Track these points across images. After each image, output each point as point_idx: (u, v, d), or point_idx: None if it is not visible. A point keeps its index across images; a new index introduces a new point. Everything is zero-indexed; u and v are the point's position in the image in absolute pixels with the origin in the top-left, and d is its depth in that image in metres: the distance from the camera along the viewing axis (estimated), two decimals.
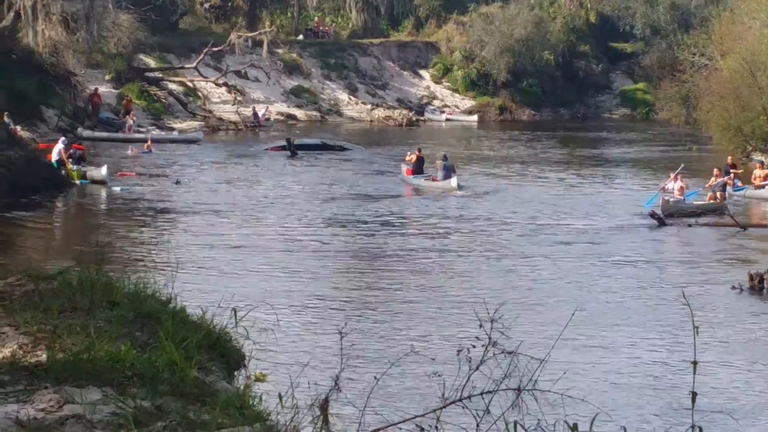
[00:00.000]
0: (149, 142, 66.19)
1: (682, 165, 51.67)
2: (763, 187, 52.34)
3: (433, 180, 56.48)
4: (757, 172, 54.04)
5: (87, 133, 71.02)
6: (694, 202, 48.06)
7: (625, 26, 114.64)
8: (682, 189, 48.35)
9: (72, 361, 8.80)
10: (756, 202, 51.27)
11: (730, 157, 57.30)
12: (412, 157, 58.56)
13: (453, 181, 55.43)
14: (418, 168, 57.88)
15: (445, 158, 57.86)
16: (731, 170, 54.66)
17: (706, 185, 50.22)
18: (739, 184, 53.38)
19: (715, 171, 52.05)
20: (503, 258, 38.37)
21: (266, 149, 68.38)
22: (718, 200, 48.36)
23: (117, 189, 50.29)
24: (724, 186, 49.79)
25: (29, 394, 8.02)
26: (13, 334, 9.78)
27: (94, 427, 7.29)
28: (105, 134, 72.38)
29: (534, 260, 38.08)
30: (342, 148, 69.18)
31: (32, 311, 10.65)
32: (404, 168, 58.64)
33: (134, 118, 77.38)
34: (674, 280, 34.92)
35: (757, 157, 66.39)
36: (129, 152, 63.39)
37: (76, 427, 7.31)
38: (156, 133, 78.05)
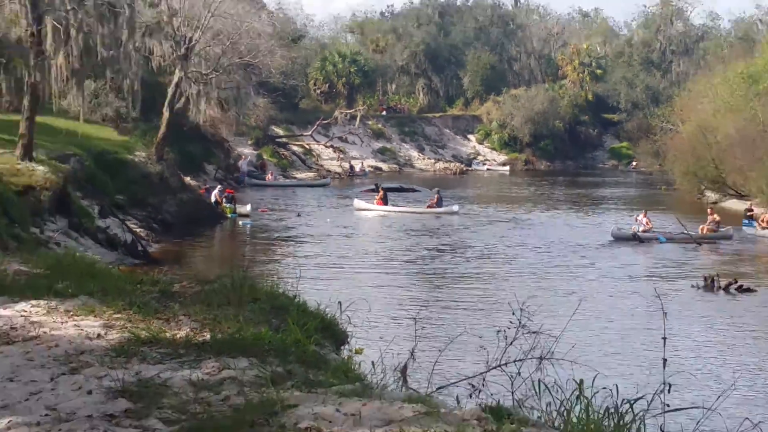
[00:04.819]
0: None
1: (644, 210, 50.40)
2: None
3: (430, 206, 57.29)
4: (766, 216, 49.65)
5: (248, 180, 73.11)
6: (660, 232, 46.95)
7: (612, 102, 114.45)
8: (648, 222, 47.12)
9: (227, 339, 8.84)
10: (760, 239, 47.62)
11: (749, 203, 54.61)
12: (380, 193, 59.24)
13: (455, 207, 57.25)
14: (385, 199, 58.58)
15: (438, 191, 59.45)
16: (748, 214, 51.54)
17: (708, 226, 47.17)
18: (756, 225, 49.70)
19: (709, 210, 50.48)
20: (526, 268, 38.25)
21: (361, 191, 68.22)
22: (706, 232, 46.55)
23: (246, 223, 50.28)
24: (717, 224, 47.73)
25: (198, 362, 8.06)
26: (187, 321, 9.83)
27: (244, 386, 7.32)
28: (257, 181, 73.83)
29: (545, 268, 37.94)
30: (414, 190, 68.90)
31: (199, 305, 10.71)
32: (358, 200, 59.32)
33: (273, 173, 78.53)
34: (649, 280, 34.72)
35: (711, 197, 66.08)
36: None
37: (231, 385, 7.34)
38: (293, 180, 79.69)
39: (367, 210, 56.76)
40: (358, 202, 58.35)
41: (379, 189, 65.55)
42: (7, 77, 38.24)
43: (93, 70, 44.49)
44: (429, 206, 57.21)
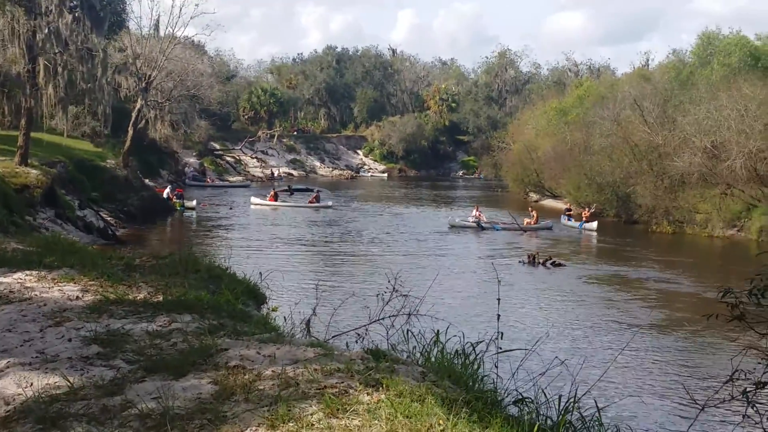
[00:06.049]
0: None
1: (477, 204, 50.86)
2: (589, 221, 47.63)
3: (311, 202, 56.90)
4: (585, 213, 49.00)
5: (190, 182, 71.65)
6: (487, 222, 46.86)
7: (463, 127, 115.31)
8: (479, 215, 47.24)
9: (176, 300, 8.75)
10: (583, 230, 47.03)
11: (567, 204, 54.46)
12: (272, 192, 58.74)
13: (330, 203, 57.25)
14: (276, 197, 57.82)
15: (318, 191, 60.69)
16: (567, 212, 51.36)
17: (530, 219, 47.01)
18: (574, 219, 49.63)
19: (529, 209, 50.55)
20: (397, 248, 38.35)
21: (277, 191, 67.99)
22: (527, 224, 46.16)
23: (191, 214, 49.77)
24: (537, 219, 47.55)
25: (153, 317, 7.96)
26: (145, 286, 9.69)
27: (188, 335, 7.25)
28: (199, 183, 72.94)
29: (411, 249, 38.07)
30: (318, 190, 68.86)
31: (155, 275, 10.57)
32: (254, 198, 57.98)
33: (211, 176, 77.58)
34: (488, 258, 35.09)
35: (534, 196, 67.08)
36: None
37: (178, 335, 7.27)
38: (226, 182, 78.44)
39: (261, 205, 56.25)
40: (254, 199, 57.51)
41: (291, 189, 65.41)
42: (8, 103, 37.50)
43: (75, 98, 43.59)
44: (310, 202, 57.13)
